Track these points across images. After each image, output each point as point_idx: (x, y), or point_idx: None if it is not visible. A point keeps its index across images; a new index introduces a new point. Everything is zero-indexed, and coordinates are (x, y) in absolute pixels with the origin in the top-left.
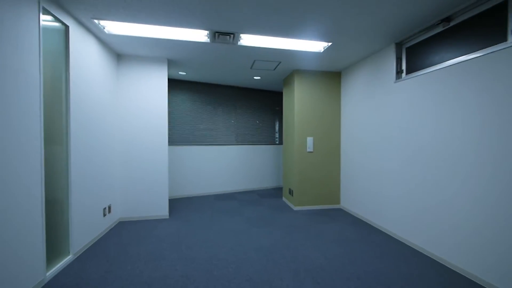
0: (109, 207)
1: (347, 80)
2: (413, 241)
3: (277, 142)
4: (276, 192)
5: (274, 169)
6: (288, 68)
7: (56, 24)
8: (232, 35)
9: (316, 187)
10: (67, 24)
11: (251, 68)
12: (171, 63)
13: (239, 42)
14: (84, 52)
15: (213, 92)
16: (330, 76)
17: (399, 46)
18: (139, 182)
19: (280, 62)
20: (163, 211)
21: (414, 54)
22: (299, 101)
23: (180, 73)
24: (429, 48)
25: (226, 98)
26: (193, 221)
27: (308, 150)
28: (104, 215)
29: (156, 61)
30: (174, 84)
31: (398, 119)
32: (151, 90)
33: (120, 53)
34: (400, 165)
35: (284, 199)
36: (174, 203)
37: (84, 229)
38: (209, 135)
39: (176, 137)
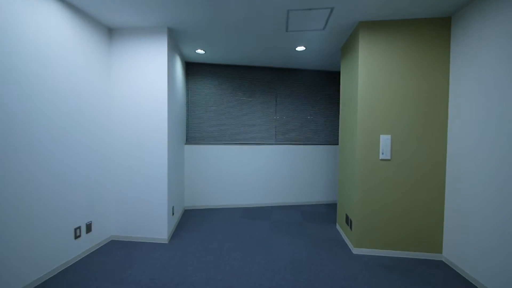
0: (89, 225)
1: (468, 31)
2: None
3: (336, 142)
4: (329, 212)
5: (328, 178)
6: (348, 21)
7: None
8: None
9: (396, 221)
10: None
11: (286, 30)
12: (176, 35)
13: None
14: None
15: (244, 77)
16: (428, 27)
17: None
18: (130, 193)
19: (332, 9)
20: (161, 233)
21: None
22: (366, 75)
23: (198, 51)
24: None
25: (262, 84)
26: (193, 256)
27: (381, 157)
28: (77, 236)
29: (151, 33)
30: (193, 68)
31: None
32: (144, 72)
33: (112, 27)
34: None
35: (338, 227)
36: (187, 217)
37: (32, 259)
38: (239, 131)
39: (197, 134)
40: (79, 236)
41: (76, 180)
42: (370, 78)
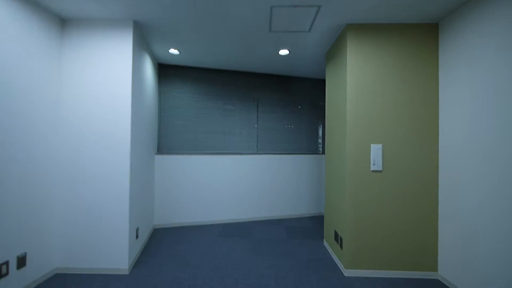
0: (22, 259)
1: (455, 37)
2: None
3: (320, 151)
4: (314, 226)
5: (313, 189)
6: (335, 22)
7: None
8: None
9: (389, 238)
10: None
11: (270, 30)
12: (144, 30)
13: None
14: None
15: (223, 83)
16: (417, 32)
17: None
18: (81, 215)
19: (319, 7)
20: (120, 262)
21: None
22: (354, 81)
23: (172, 51)
24: None
25: (243, 90)
26: None
27: (372, 168)
28: (2, 275)
29: (114, 26)
30: (166, 70)
31: None
32: (103, 71)
33: (65, 17)
34: None
35: (325, 244)
36: (157, 238)
37: None
38: (217, 140)
39: (170, 143)
40: (6, 274)
41: (3, 200)
42: (358, 84)
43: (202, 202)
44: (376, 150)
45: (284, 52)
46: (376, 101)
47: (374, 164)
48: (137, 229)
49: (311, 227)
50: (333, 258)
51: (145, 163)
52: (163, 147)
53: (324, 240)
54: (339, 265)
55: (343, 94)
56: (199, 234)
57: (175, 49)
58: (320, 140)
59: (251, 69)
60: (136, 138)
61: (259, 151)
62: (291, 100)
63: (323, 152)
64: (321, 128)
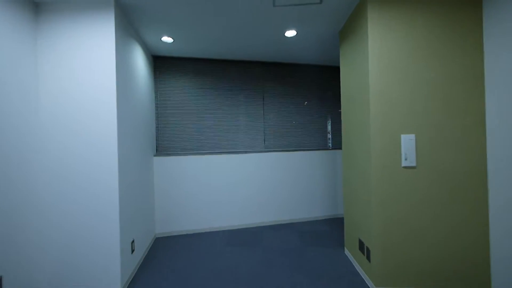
0: None
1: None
2: None
3: (330, 146)
4: (331, 230)
5: (326, 188)
6: None
7: None
8: None
9: (428, 251)
10: None
11: (274, 4)
12: (131, 14)
13: None
14: None
15: (225, 75)
16: (454, 2)
17: None
18: (62, 230)
19: None
20: (111, 283)
21: None
22: (379, 58)
23: (165, 39)
24: None
25: (248, 81)
26: None
27: (404, 163)
28: None
29: (93, 9)
30: (162, 63)
31: None
32: (81, 62)
33: (39, 0)
34: None
35: (347, 252)
36: (158, 249)
37: None
38: (221, 138)
39: (170, 143)
40: None
41: None
42: (383, 62)
43: (207, 207)
44: (407, 142)
45: (291, 33)
46: (406, 81)
47: (406, 159)
48: (133, 241)
49: (327, 232)
50: (359, 271)
51: (142, 167)
52: (162, 148)
53: (345, 248)
54: (367, 282)
55: (364, 77)
56: (204, 244)
57: (168, 36)
58: (329, 135)
59: (256, 57)
60: (126, 140)
61: (266, 148)
62: (301, 91)
63: (334, 147)
64: (330, 120)
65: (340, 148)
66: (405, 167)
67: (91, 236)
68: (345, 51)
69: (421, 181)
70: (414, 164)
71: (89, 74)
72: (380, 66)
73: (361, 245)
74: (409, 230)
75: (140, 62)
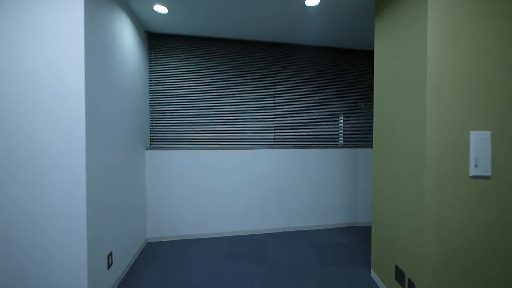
0: None
1: None
2: None
3: (340, 144)
4: (351, 243)
5: (344, 192)
6: None
7: None
8: None
9: None
10: None
11: None
12: None
13: None
14: None
15: (231, 57)
16: None
17: None
18: (10, 246)
19: None
20: None
21: None
22: (443, 30)
23: (158, 10)
24: None
25: (257, 65)
26: None
27: (474, 172)
28: None
29: None
30: (158, 42)
31: None
32: (41, 27)
33: None
34: None
35: (374, 276)
36: (147, 258)
37: None
38: (225, 130)
39: (165, 135)
40: None
41: None
42: (449, 34)
43: (206, 209)
44: (480, 142)
45: (313, 1)
46: (479, 61)
47: (476, 166)
48: (110, 254)
49: (347, 245)
50: None
51: (129, 163)
52: (156, 141)
53: (372, 270)
54: None
55: (419, 54)
56: (201, 253)
57: (161, 5)
58: (341, 132)
59: (268, 36)
60: (101, 132)
61: (276, 143)
62: (320, 77)
63: (351, 145)
64: (342, 115)
65: (362, 146)
66: (475, 177)
67: (53, 247)
68: (385, 21)
69: (498, 196)
70: (488, 173)
71: (47, 47)
72: (444, 40)
73: (400, 275)
74: (477, 265)
75: (128, 37)
